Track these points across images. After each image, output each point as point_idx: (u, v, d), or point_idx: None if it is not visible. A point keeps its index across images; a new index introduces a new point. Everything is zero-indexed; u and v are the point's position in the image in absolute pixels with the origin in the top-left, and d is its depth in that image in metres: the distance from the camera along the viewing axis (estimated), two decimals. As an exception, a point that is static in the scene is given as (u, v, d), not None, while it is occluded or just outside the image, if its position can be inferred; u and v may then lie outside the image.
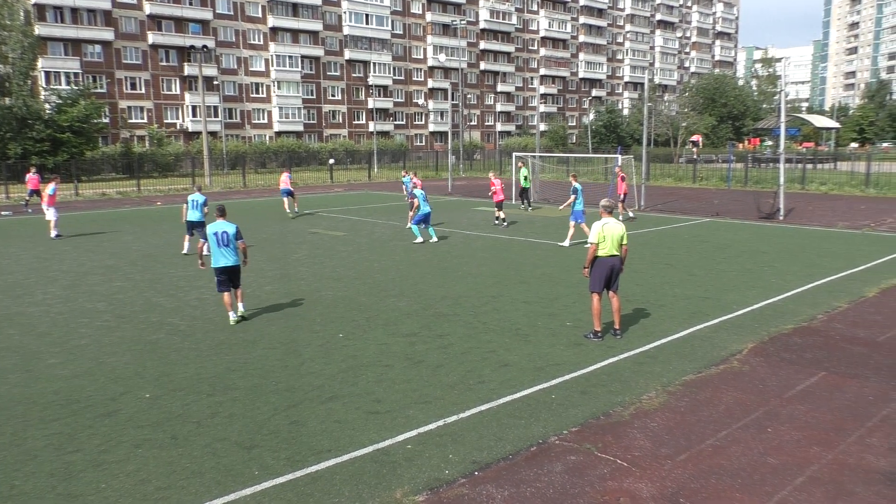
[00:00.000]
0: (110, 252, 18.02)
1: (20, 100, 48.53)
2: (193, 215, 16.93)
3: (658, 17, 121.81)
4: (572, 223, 18.27)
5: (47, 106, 51.59)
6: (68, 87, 55.26)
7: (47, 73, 58.71)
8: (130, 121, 64.73)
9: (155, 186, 43.51)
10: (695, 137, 71.40)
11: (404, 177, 28.14)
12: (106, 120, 60.33)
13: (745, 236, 19.73)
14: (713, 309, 11.21)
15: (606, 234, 9.38)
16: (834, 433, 6.60)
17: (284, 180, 26.80)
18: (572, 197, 18.20)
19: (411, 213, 20.24)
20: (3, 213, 29.39)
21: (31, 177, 29.60)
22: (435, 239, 19.01)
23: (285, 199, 26.96)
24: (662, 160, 61.56)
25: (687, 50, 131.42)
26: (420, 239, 18.87)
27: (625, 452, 6.22)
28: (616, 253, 9.48)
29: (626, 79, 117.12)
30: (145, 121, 65.50)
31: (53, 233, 20.85)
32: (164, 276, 14.69)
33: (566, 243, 18.07)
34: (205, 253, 11.17)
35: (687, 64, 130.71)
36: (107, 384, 8.14)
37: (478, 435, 6.60)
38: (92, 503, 5.48)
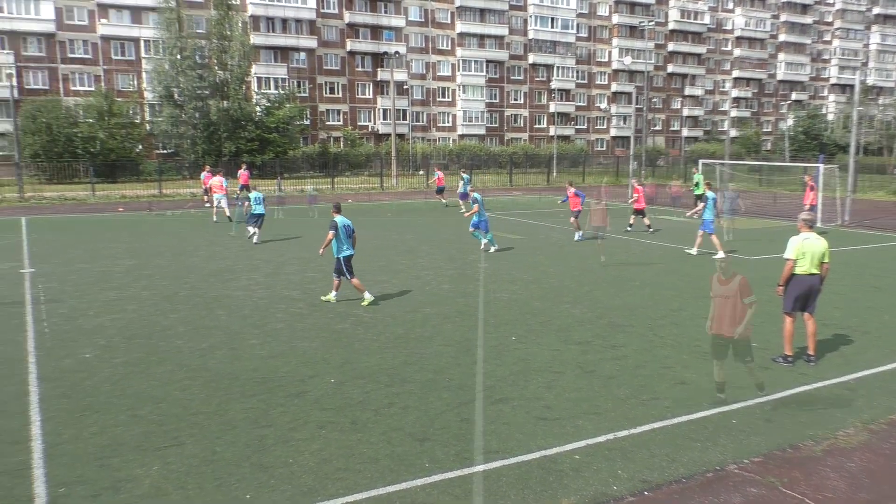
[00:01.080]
0: (305, 244, 19.50)
1: (236, 103, 54.21)
2: (259, 209, 19.94)
3: (876, 10, 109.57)
4: (700, 232, 17.82)
5: (258, 108, 57.17)
6: (276, 92, 60.90)
7: (259, 79, 64.70)
8: (328, 123, 69.75)
9: (347, 185, 46.49)
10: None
11: (464, 174, 31.16)
12: (307, 122, 65.41)
13: (974, 260, 17.29)
14: (930, 341, 9.95)
15: (806, 251, 8.66)
16: None
17: (440, 179, 32.84)
18: (701, 205, 17.87)
19: (468, 214, 21.17)
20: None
21: (242, 173, 32.68)
22: (494, 248, 18.28)
23: (442, 198, 32.39)
24: (874, 171, 55.45)
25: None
26: (487, 243, 18.30)
27: (815, 492, 5.71)
28: (815, 271, 8.72)
29: (833, 81, 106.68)
30: (341, 123, 70.23)
31: (215, 218, 24.73)
32: (350, 269, 15.65)
33: (694, 251, 17.80)
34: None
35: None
36: (298, 367, 8.86)
37: (649, 453, 6.37)
38: (280, 476, 5.98)
